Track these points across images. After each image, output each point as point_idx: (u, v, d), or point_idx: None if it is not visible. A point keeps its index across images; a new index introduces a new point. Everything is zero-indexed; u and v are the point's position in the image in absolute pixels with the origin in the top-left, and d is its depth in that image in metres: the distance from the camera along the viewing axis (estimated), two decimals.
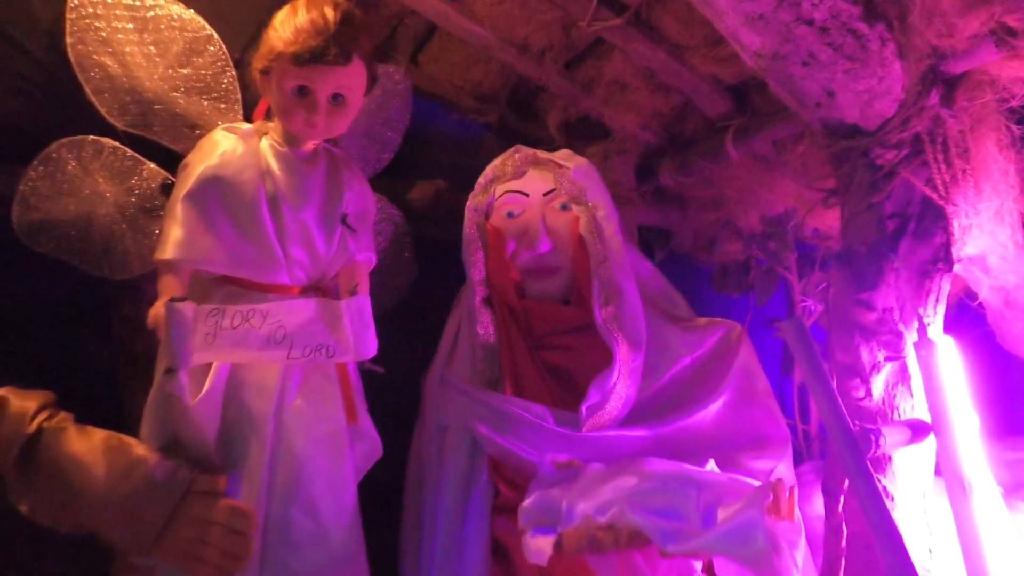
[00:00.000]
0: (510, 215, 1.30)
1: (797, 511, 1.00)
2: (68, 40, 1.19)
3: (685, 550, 0.94)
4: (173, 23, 1.24)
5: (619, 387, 1.20)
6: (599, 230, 1.28)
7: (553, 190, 1.31)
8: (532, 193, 1.31)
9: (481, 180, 1.35)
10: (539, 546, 0.97)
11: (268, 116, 1.20)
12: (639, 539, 0.96)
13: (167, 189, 1.20)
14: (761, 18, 1.03)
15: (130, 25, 1.22)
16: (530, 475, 1.13)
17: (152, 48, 1.24)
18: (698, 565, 1.15)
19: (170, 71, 1.25)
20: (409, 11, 1.46)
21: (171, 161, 1.23)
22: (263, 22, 1.13)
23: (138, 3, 1.22)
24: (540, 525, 0.99)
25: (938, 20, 1.09)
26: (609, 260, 1.27)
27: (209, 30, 1.26)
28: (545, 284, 1.29)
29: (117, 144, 1.23)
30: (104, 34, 1.21)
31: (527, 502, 1.03)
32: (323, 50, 1.04)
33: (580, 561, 1.05)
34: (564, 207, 1.30)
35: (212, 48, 1.26)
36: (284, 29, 1.06)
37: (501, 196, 1.32)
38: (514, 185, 1.32)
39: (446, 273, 1.42)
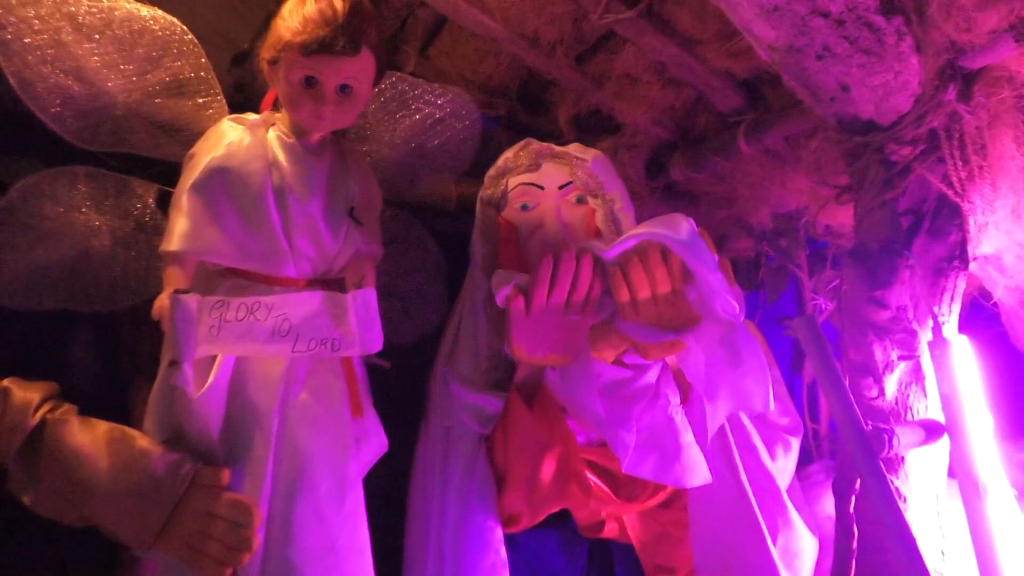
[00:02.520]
0: (524, 208, 1.26)
1: (732, 277, 1.04)
2: (5, 67, 1.04)
3: (624, 245, 1.02)
4: (132, 25, 1.12)
5: None
6: (616, 223, 1.26)
7: (569, 183, 1.27)
8: (547, 186, 1.27)
9: (492, 172, 1.32)
10: (504, 288, 1.05)
11: (276, 107, 1.19)
12: (588, 253, 1.04)
13: (164, 201, 1.12)
14: (776, 10, 1.01)
15: (72, 37, 1.08)
16: None
17: (115, 56, 1.11)
18: (675, 399, 1.17)
19: (146, 77, 1.14)
20: (419, 3, 1.45)
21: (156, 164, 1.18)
22: (272, 12, 1.12)
23: (83, 9, 1.08)
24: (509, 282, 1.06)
25: (957, 14, 1.07)
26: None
27: (177, 23, 1.16)
28: None
29: (90, 168, 1.14)
30: (51, 52, 1.07)
31: (498, 271, 1.10)
32: (331, 40, 1.03)
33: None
34: (580, 200, 1.27)
35: (184, 41, 1.17)
36: (292, 19, 1.05)
37: (515, 188, 1.28)
38: (528, 177, 1.28)
39: (455, 267, 1.41)
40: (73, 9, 1.08)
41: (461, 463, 1.18)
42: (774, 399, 1.21)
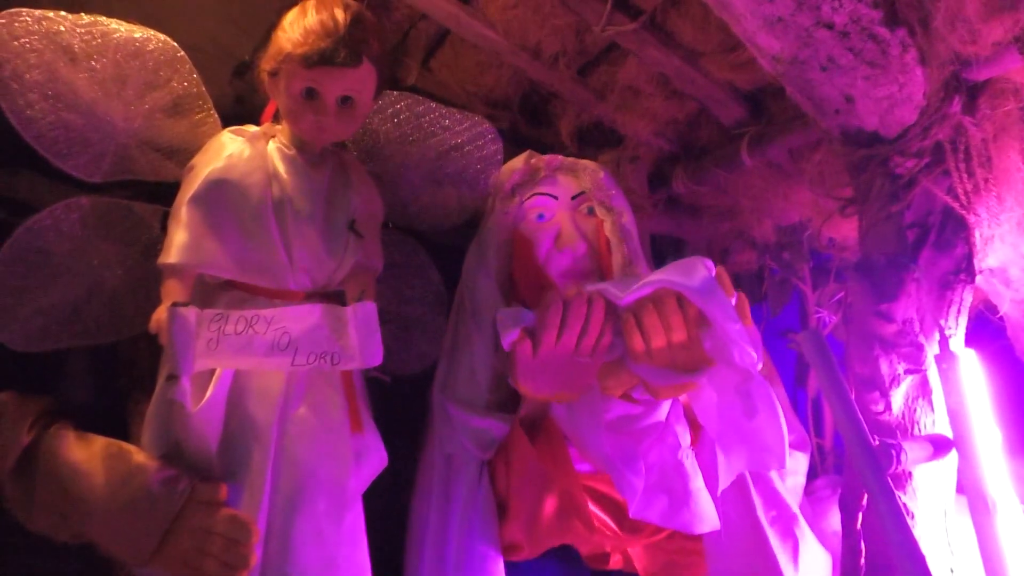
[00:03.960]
0: (540, 218, 1.27)
1: (750, 318, 1.00)
2: (4, 105, 1.02)
3: (638, 292, 0.98)
4: (127, 48, 1.10)
5: None
6: (626, 235, 1.27)
7: (581, 193, 1.28)
8: (560, 196, 1.28)
9: (507, 184, 1.32)
10: (511, 332, 1.00)
11: (276, 119, 1.18)
12: (600, 298, 0.99)
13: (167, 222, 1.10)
14: (780, 21, 1.00)
15: (69, 68, 1.06)
16: None
17: (114, 83, 1.09)
18: (685, 441, 1.14)
19: (144, 100, 1.12)
20: (421, 15, 1.45)
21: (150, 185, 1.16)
22: (272, 23, 1.11)
23: (76, 40, 1.06)
24: (515, 326, 1.01)
25: (961, 26, 1.06)
26: (635, 264, 1.26)
27: (170, 42, 1.14)
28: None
29: (95, 198, 1.11)
30: (51, 88, 1.05)
31: (505, 309, 1.05)
32: (332, 52, 1.02)
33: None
34: (590, 211, 1.28)
35: (176, 59, 1.15)
36: (293, 30, 1.05)
37: (530, 198, 1.29)
38: (543, 188, 1.29)
39: (455, 282, 1.40)
40: (67, 39, 1.06)
41: (463, 490, 1.16)
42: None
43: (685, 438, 1.16)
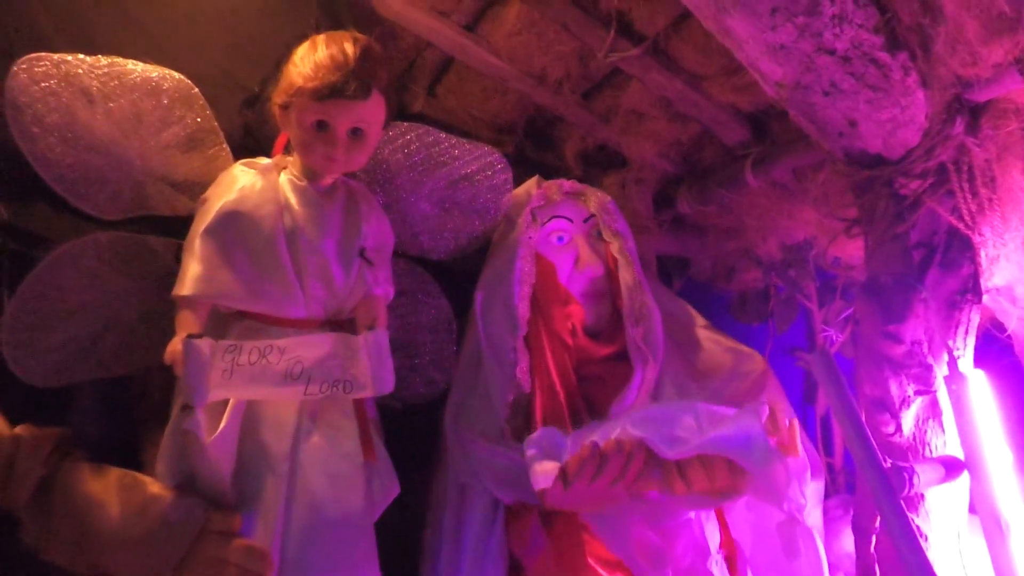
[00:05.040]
0: (560, 240, 1.32)
1: (800, 446, 0.98)
2: (24, 148, 1.03)
3: (685, 453, 0.94)
4: (144, 87, 1.12)
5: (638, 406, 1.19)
6: (633, 258, 1.31)
7: (592, 216, 1.34)
8: (575, 219, 1.33)
9: (527, 209, 1.33)
10: (544, 470, 0.96)
11: (287, 150, 1.20)
12: (641, 450, 0.95)
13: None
14: (782, 48, 1.02)
15: (88, 110, 1.08)
16: None
17: (131, 123, 1.12)
18: (714, 543, 1.13)
19: (160, 137, 1.14)
20: (427, 44, 1.47)
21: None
22: (282, 56, 1.13)
23: (95, 83, 1.08)
24: (546, 457, 0.98)
25: (962, 49, 1.08)
26: (642, 285, 1.30)
27: (185, 80, 1.17)
28: (601, 307, 1.30)
29: (112, 233, 1.11)
30: (71, 131, 1.06)
31: (535, 435, 1.02)
32: (343, 85, 1.04)
33: (595, 543, 1.07)
34: (599, 235, 1.33)
35: (191, 96, 1.17)
36: (304, 64, 1.07)
37: (549, 221, 1.33)
38: (559, 211, 1.34)
39: (461, 307, 1.40)
40: (86, 81, 1.08)
41: (476, 524, 1.16)
42: None
43: (715, 539, 1.14)
